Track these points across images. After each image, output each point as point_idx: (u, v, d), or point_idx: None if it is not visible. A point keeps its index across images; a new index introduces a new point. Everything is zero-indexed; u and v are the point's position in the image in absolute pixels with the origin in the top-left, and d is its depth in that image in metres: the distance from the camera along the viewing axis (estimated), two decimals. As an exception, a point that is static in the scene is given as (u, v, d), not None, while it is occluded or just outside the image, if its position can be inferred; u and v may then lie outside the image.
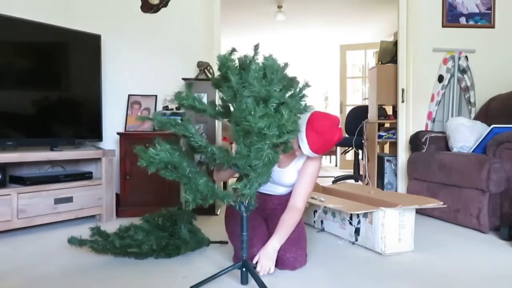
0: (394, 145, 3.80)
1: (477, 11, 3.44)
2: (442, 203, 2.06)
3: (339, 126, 1.72)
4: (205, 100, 2.95)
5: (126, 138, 2.95)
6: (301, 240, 1.83)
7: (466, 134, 2.93)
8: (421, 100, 3.47)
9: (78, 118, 2.92)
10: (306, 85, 1.51)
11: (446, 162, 2.74)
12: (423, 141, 3.18)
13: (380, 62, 3.97)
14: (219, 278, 1.60)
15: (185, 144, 1.53)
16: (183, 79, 3.07)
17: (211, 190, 1.41)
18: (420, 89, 3.47)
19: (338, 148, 6.48)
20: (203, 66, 3.08)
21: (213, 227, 2.47)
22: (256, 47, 1.55)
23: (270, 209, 1.98)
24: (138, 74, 3.30)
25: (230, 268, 1.59)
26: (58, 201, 2.52)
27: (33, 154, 2.46)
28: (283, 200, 1.93)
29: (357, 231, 2.15)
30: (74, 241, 1.87)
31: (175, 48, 3.33)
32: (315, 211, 2.49)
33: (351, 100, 6.59)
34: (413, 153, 3.26)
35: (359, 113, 4.50)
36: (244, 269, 1.57)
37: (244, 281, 1.58)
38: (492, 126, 2.71)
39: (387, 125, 4.01)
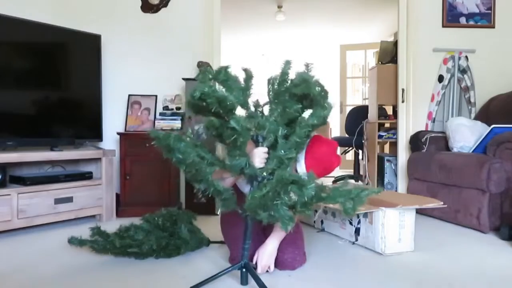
0: (394, 145, 3.80)
1: (477, 11, 3.44)
2: (442, 203, 2.06)
3: (337, 153, 1.71)
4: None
5: (126, 138, 2.95)
6: (298, 240, 1.83)
7: (466, 134, 2.92)
8: (421, 100, 3.47)
9: (78, 118, 2.92)
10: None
11: (446, 162, 2.74)
12: (423, 141, 3.18)
13: (380, 62, 3.97)
14: (219, 279, 1.59)
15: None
16: (183, 79, 3.07)
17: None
18: (420, 89, 3.47)
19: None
20: (203, 66, 3.08)
21: (213, 227, 2.46)
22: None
23: None
24: (138, 74, 3.30)
25: (230, 269, 1.59)
26: (58, 201, 2.52)
27: (33, 154, 2.46)
28: None
29: (357, 231, 2.15)
30: (74, 241, 1.87)
31: (175, 48, 3.33)
32: (315, 211, 2.49)
33: (351, 100, 6.58)
34: (413, 153, 3.26)
35: (359, 113, 4.50)
36: (244, 270, 1.57)
37: (244, 281, 1.58)
38: (492, 126, 2.71)
39: (387, 125, 4.01)
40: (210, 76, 1.53)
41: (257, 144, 1.56)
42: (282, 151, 1.46)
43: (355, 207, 1.41)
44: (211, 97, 1.37)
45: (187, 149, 1.42)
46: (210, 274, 1.59)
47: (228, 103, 1.38)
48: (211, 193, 1.49)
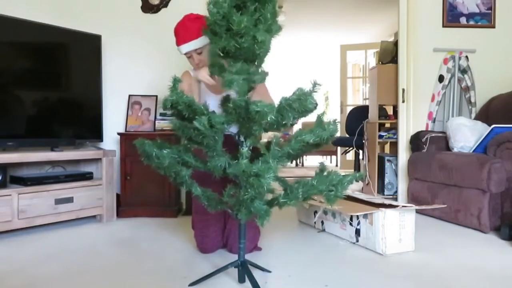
0: (394, 145, 3.80)
1: (477, 11, 3.44)
2: (442, 205, 2.06)
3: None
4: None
5: (126, 138, 2.95)
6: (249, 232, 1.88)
7: (466, 134, 2.92)
8: (422, 100, 3.47)
9: (79, 119, 2.92)
10: None
11: (447, 162, 2.73)
12: (424, 141, 3.18)
13: (380, 62, 3.97)
14: (217, 277, 1.61)
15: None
16: (184, 79, 3.06)
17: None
18: (421, 89, 3.47)
19: (339, 148, 6.47)
20: (203, 66, 3.07)
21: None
22: None
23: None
24: (139, 74, 3.30)
25: (227, 267, 1.61)
26: (58, 201, 2.52)
27: (34, 154, 2.46)
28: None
29: (357, 232, 2.15)
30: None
31: (175, 48, 3.31)
32: (315, 212, 2.49)
33: (352, 100, 6.59)
34: (413, 153, 3.26)
35: (360, 113, 4.49)
36: (241, 268, 1.58)
37: (241, 279, 1.59)
38: (493, 126, 2.71)
39: (387, 125, 4.01)
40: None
41: (239, 143, 1.53)
42: (271, 159, 1.41)
43: (337, 194, 1.42)
44: (180, 103, 1.47)
45: (162, 154, 1.48)
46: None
47: (196, 107, 1.44)
48: (194, 194, 1.55)
